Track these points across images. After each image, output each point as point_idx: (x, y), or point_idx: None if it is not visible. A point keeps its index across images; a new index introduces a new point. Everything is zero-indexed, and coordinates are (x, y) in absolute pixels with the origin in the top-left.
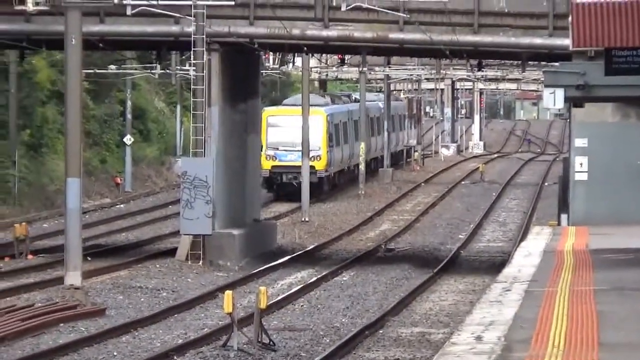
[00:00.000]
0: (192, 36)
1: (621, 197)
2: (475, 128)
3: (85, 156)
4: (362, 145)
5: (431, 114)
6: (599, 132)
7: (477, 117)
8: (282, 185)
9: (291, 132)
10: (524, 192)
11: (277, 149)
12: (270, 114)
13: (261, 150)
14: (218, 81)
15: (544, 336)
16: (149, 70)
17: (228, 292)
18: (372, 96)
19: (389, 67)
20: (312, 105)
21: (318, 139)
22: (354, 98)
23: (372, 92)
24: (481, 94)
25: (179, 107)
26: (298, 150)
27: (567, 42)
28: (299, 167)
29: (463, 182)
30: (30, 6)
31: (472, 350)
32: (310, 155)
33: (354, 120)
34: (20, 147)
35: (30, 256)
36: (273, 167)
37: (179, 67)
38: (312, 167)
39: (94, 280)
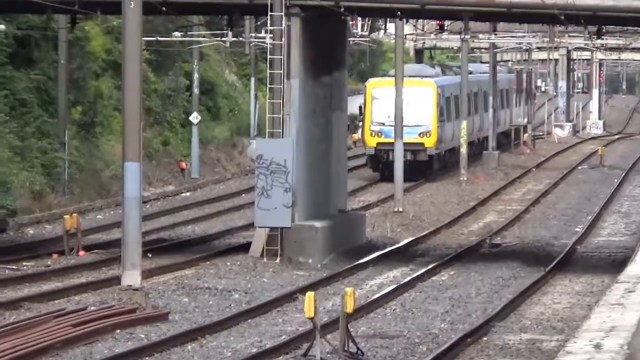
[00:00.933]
0: None
1: None
2: (594, 105)
3: (145, 137)
4: (464, 124)
5: (543, 89)
6: None
7: (595, 92)
8: (389, 164)
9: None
10: None
11: (383, 124)
12: (374, 86)
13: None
14: (298, 51)
15: None
16: (219, 38)
17: (310, 294)
18: (484, 67)
19: (495, 34)
20: (420, 77)
21: (428, 113)
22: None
23: (475, 63)
24: (601, 65)
25: (253, 80)
26: (406, 126)
27: None
28: (407, 144)
29: (580, 167)
30: None
31: None
32: (420, 132)
33: (484, 91)
34: (71, 127)
35: (82, 252)
36: (378, 144)
37: (253, 35)
38: (421, 144)
39: (155, 280)
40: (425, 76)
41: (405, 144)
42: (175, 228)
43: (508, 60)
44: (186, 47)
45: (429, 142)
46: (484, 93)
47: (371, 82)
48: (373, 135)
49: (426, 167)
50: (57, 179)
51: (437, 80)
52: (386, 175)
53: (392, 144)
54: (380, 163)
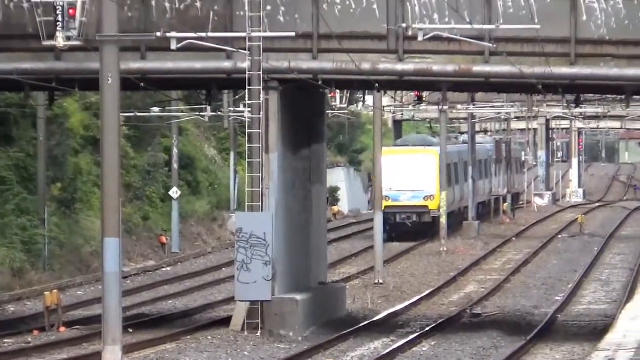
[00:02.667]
0: (247, 73)
1: None
2: (574, 173)
3: (125, 212)
4: (444, 194)
5: (523, 158)
6: None
7: (575, 161)
8: (396, 226)
9: (404, 172)
10: (630, 246)
11: (390, 189)
12: (384, 154)
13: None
14: (277, 124)
15: None
16: (197, 113)
17: None
18: (479, 138)
19: (473, 104)
20: (424, 145)
21: (432, 179)
22: (461, 140)
23: (454, 133)
24: (580, 134)
25: (232, 154)
26: (412, 191)
27: None
28: (413, 207)
29: (560, 236)
30: (60, 41)
31: None
32: (424, 195)
33: (464, 162)
34: (51, 204)
35: (62, 328)
36: (386, 207)
37: (232, 109)
38: (426, 206)
39: (136, 355)
40: (428, 145)
41: (411, 207)
42: (156, 303)
43: (487, 130)
44: (165, 122)
45: (433, 205)
46: (486, 161)
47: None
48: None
49: (430, 228)
50: (37, 255)
51: (438, 148)
52: (393, 236)
53: (399, 207)
54: (387, 225)
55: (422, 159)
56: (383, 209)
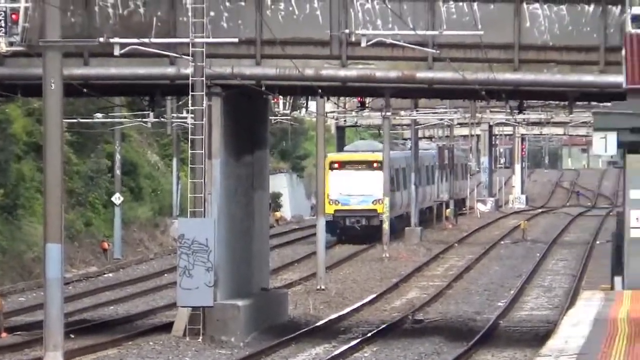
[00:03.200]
0: (190, 79)
1: None
2: (516, 179)
3: (67, 218)
4: (386, 200)
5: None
6: None
7: (518, 167)
8: (346, 229)
9: (354, 178)
10: (572, 252)
11: (340, 193)
12: (332, 160)
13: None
14: (220, 130)
15: None
16: (140, 119)
17: None
18: (424, 144)
19: (417, 110)
20: (372, 151)
21: (380, 183)
22: (409, 146)
23: (399, 139)
24: (523, 140)
25: (175, 160)
26: (361, 195)
27: (620, 79)
28: (362, 210)
29: (502, 242)
30: (3, 47)
31: None
32: (373, 199)
33: (410, 167)
34: None
35: (4, 334)
36: (336, 211)
37: (175, 115)
38: (374, 210)
39: None
40: (377, 151)
41: (360, 210)
42: (97, 309)
43: (431, 137)
44: (108, 128)
45: (382, 208)
46: (432, 167)
47: (330, 156)
48: (331, 203)
49: (377, 231)
50: None
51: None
52: (343, 238)
53: (349, 210)
54: (338, 228)
55: (370, 164)
56: (333, 212)
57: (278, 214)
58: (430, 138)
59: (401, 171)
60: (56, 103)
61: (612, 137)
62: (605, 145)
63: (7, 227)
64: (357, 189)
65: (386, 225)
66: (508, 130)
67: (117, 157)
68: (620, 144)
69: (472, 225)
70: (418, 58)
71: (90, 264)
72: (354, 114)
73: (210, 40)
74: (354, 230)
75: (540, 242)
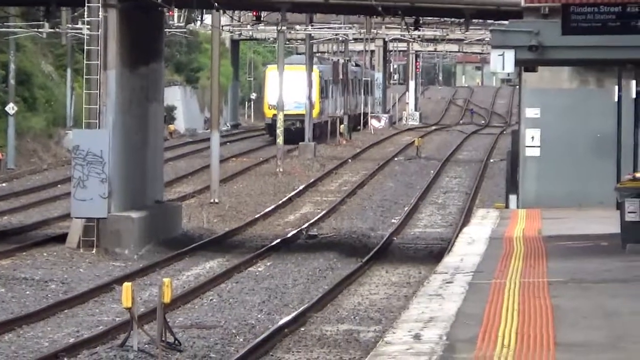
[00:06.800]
0: None
1: (578, 175)
2: (410, 96)
3: None
4: (281, 114)
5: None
6: (554, 100)
7: (412, 84)
8: (284, 131)
9: (291, 86)
10: (467, 170)
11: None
12: (270, 70)
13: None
14: (115, 41)
15: (492, 334)
16: (35, 29)
17: (126, 285)
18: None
19: (312, 25)
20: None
21: (313, 91)
22: (346, 61)
23: (292, 54)
24: (417, 56)
25: (69, 71)
26: (295, 102)
27: None
28: (296, 115)
29: (396, 159)
30: None
31: (410, 350)
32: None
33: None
34: None
35: None
36: (274, 115)
37: (70, 26)
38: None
39: None
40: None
41: (294, 115)
42: None
43: (324, 52)
44: (2, 37)
45: (314, 113)
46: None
47: (269, 67)
48: (270, 108)
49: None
50: None
51: (318, 66)
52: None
53: (289, 115)
54: (274, 130)
55: (304, 75)
56: (271, 116)
57: (172, 126)
58: (323, 53)
59: (329, 82)
60: None
61: (510, 54)
62: (503, 62)
63: None
64: (293, 96)
65: (280, 140)
66: (402, 46)
67: (12, 66)
68: (517, 62)
69: (366, 141)
70: None
71: None
72: (249, 27)
73: None
74: (289, 132)
75: (434, 159)
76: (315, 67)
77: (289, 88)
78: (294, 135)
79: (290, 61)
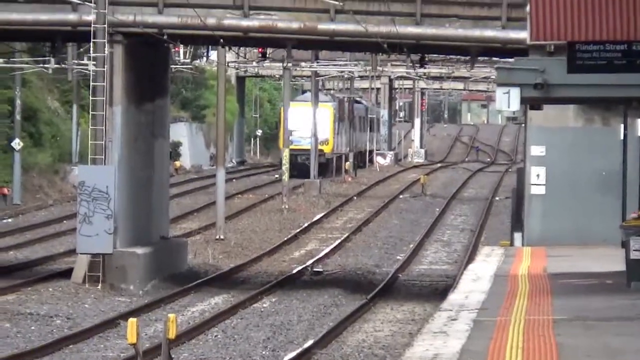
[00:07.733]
0: (92, 25)
1: (583, 213)
2: (416, 133)
3: None
4: (286, 151)
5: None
6: (559, 138)
7: (417, 121)
8: (297, 165)
9: (305, 122)
10: (472, 207)
11: (292, 134)
12: (294, 106)
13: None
14: (121, 77)
15: None
16: (41, 65)
17: (132, 320)
18: (365, 102)
19: (317, 62)
20: (322, 101)
21: (327, 127)
22: (352, 98)
23: (298, 91)
24: (423, 94)
25: (75, 107)
26: (310, 137)
27: (523, 34)
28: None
29: (401, 196)
30: None
31: None
32: (320, 140)
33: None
34: None
35: None
36: (290, 149)
37: (76, 62)
38: (321, 150)
39: None
40: (325, 101)
41: (308, 150)
42: None
43: (330, 89)
44: (8, 73)
45: (327, 148)
46: (362, 118)
47: (291, 104)
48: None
49: (324, 168)
50: None
51: (333, 104)
52: (295, 174)
53: (301, 149)
54: (291, 164)
55: (320, 111)
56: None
57: (178, 163)
58: (329, 90)
59: (336, 119)
60: None
61: (515, 92)
62: (508, 100)
63: None
64: (309, 131)
65: (286, 177)
66: (408, 84)
67: (18, 102)
68: (522, 100)
69: (372, 178)
70: (320, 10)
71: None
72: (254, 64)
73: None
74: (305, 166)
75: (440, 197)
76: (329, 103)
77: (304, 123)
78: (308, 169)
79: (304, 98)
